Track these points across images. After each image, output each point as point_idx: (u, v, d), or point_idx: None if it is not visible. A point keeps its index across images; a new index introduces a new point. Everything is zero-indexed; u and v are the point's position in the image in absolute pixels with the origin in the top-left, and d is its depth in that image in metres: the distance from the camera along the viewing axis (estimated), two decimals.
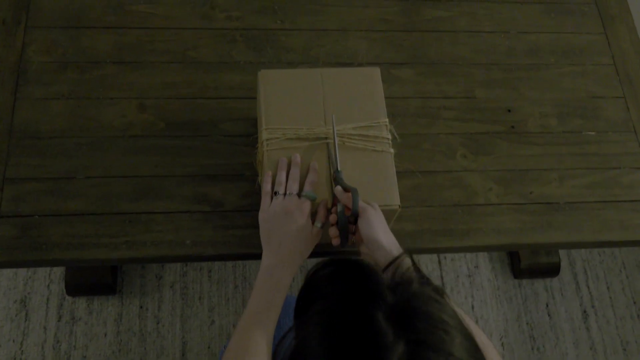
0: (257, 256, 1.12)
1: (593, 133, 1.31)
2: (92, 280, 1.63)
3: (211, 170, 1.17)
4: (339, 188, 0.97)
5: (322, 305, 0.64)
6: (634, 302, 1.84)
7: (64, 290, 1.65)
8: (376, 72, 1.12)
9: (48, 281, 1.68)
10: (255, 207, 1.14)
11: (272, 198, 0.99)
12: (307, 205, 0.97)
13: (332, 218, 0.97)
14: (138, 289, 1.69)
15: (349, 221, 0.97)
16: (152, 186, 1.14)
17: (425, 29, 1.39)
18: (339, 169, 1.01)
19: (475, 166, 1.24)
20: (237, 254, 1.11)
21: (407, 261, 0.74)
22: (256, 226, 1.12)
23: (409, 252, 0.92)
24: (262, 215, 0.98)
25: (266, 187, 0.99)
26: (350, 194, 0.95)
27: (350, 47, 1.34)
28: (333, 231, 0.97)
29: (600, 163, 1.28)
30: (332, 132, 1.04)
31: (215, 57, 1.29)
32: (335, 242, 0.98)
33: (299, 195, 0.98)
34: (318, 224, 0.98)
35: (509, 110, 1.31)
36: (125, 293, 1.68)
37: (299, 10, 1.36)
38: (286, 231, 0.95)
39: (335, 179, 1.00)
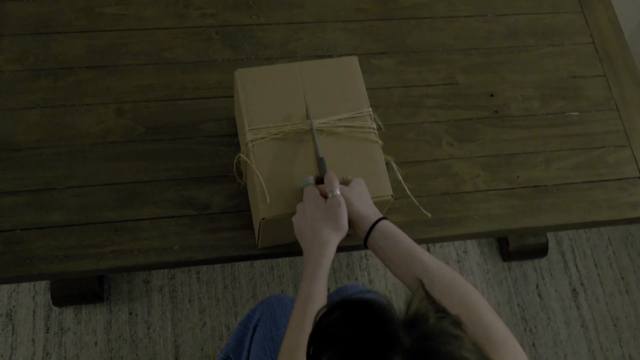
0: (248, 258, 1.11)
1: (576, 113, 1.31)
2: (79, 290, 1.60)
3: (195, 173, 1.15)
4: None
5: (335, 353, 0.60)
6: (622, 278, 1.86)
7: (50, 301, 1.62)
8: (354, 61, 1.11)
9: (33, 293, 1.64)
10: (242, 207, 1.12)
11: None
12: (309, 190, 0.96)
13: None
14: (126, 295, 1.66)
15: None
16: (135, 193, 1.12)
17: (402, 17, 1.37)
18: (320, 156, 1.00)
19: (461, 153, 1.23)
20: (227, 257, 1.09)
21: (418, 287, 0.69)
22: (245, 227, 1.11)
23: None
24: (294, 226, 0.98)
25: None
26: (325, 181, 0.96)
27: (329, 39, 1.32)
28: None
29: (584, 143, 1.28)
30: (314, 123, 1.03)
31: (191, 56, 1.26)
32: None
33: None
34: (329, 194, 0.94)
35: (492, 95, 1.30)
36: (113, 300, 1.66)
37: (275, 4, 1.34)
38: (302, 220, 0.94)
39: (319, 167, 1.00)
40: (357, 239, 0.97)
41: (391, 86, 1.28)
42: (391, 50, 1.32)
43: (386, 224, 0.93)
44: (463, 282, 0.87)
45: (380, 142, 1.04)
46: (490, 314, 0.82)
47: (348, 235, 0.98)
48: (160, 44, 1.26)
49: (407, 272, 0.89)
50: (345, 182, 0.98)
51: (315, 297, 0.88)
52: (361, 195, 0.96)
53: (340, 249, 1.13)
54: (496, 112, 1.29)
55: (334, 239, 0.93)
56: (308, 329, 0.82)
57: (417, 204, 1.13)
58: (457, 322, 0.61)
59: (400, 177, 1.08)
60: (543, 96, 1.32)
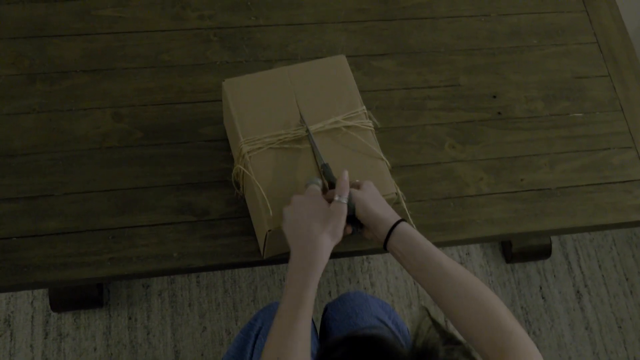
0: (248, 264, 1.09)
1: (580, 114, 1.29)
2: (77, 295, 1.59)
3: (194, 178, 1.13)
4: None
5: None
6: (627, 279, 1.84)
7: (49, 306, 1.60)
8: (342, 59, 1.09)
9: (31, 298, 1.62)
10: (241, 213, 1.11)
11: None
12: (314, 190, 0.94)
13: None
14: (125, 300, 1.65)
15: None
16: (133, 199, 1.10)
17: (404, 17, 1.35)
18: (324, 162, 0.99)
19: (464, 156, 1.21)
20: (226, 264, 1.08)
21: (425, 316, 0.66)
22: (244, 233, 1.10)
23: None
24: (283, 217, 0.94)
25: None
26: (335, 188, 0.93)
27: (329, 40, 1.30)
28: None
29: (589, 145, 1.26)
30: (310, 129, 1.01)
31: (189, 59, 1.24)
32: (347, 230, 0.94)
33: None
34: (337, 198, 0.91)
35: (495, 96, 1.28)
36: (113, 305, 1.64)
37: (274, 5, 1.32)
38: (299, 215, 0.90)
39: (324, 173, 0.98)
40: (377, 242, 0.95)
41: (392, 88, 1.26)
42: (392, 51, 1.30)
43: (404, 227, 0.91)
44: (482, 286, 0.85)
45: (377, 144, 1.02)
46: (510, 319, 0.81)
47: (367, 236, 0.97)
48: (158, 47, 1.24)
49: (426, 276, 0.87)
50: (354, 185, 0.96)
51: (307, 302, 0.84)
52: (375, 198, 0.94)
53: (343, 254, 1.12)
54: (499, 113, 1.27)
55: (330, 244, 0.89)
56: (298, 333, 0.79)
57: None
58: (467, 352, 0.59)
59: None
60: (547, 97, 1.30)
